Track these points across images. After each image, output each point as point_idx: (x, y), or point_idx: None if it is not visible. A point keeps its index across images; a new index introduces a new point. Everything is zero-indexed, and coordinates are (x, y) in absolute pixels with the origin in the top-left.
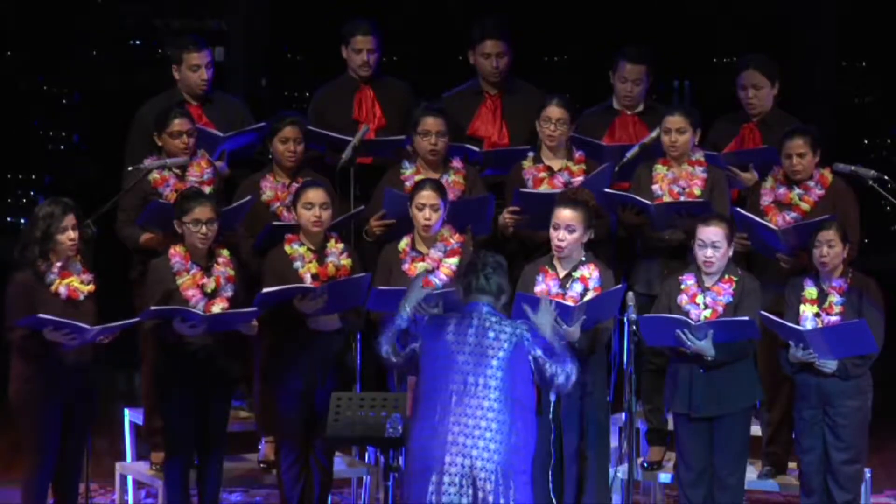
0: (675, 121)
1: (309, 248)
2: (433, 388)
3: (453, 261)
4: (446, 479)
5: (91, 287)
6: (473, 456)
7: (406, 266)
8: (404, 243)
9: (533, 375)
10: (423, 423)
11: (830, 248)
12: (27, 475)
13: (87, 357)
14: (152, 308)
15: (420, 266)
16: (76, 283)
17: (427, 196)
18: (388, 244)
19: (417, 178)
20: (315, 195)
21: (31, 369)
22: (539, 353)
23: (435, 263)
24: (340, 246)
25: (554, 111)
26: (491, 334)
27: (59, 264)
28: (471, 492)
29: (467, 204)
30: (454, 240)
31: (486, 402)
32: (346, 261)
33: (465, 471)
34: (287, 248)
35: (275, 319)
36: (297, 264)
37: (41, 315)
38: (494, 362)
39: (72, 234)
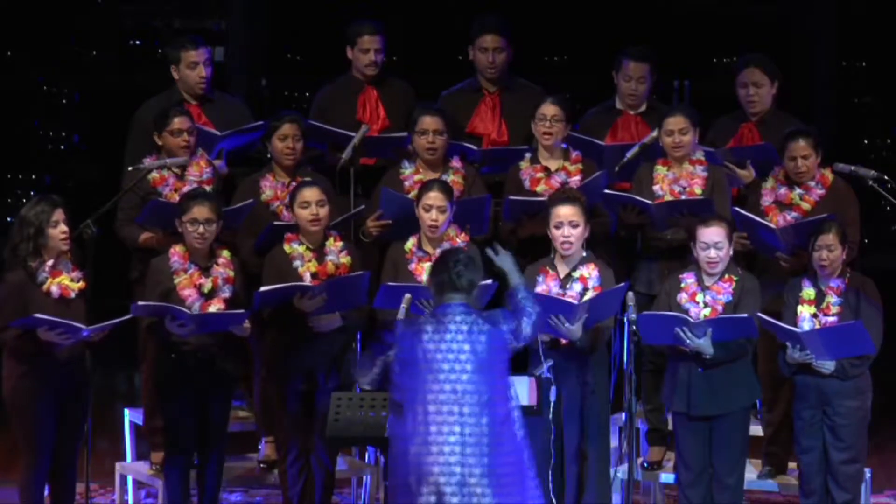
0: (676, 121)
1: (308, 247)
2: (412, 397)
3: None
4: (434, 488)
5: (81, 284)
6: (461, 464)
7: (412, 266)
8: (411, 243)
9: (509, 364)
10: (404, 429)
11: (830, 252)
12: (24, 475)
13: (78, 354)
14: (140, 304)
15: (427, 266)
16: (67, 282)
17: (434, 197)
18: (394, 243)
19: (417, 177)
20: (310, 193)
21: (24, 368)
22: (511, 327)
23: None
24: (339, 244)
25: (549, 108)
26: (461, 338)
27: (50, 263)
28: (462, 499)
29: (465, 204)
30: (460, 240)
31: (467, 407)
32: (345, 258)
33: (454, 479)
34: (286, 247)
35: (276, 318)
36: (297, 263)
37: (38, 315)
38: (469, 366)
39: (63, 227)
